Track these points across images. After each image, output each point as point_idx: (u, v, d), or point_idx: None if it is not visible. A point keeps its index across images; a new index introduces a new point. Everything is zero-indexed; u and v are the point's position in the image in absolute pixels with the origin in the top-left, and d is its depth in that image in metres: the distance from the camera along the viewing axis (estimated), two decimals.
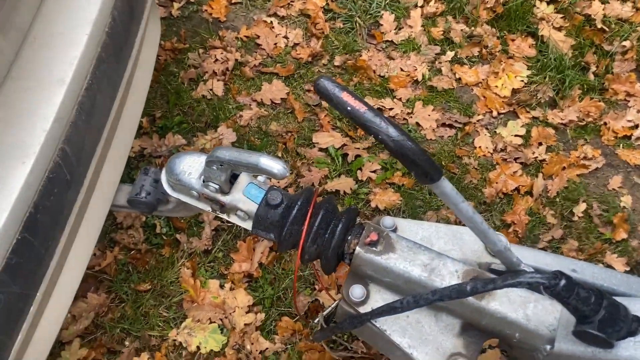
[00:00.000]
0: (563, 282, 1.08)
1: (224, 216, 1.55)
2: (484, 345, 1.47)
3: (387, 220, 1.56)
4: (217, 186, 1.45)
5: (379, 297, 1.45)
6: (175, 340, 2.20)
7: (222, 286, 2.31)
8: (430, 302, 1.25)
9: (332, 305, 1.73)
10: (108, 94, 1.57)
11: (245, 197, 1.48)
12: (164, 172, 1.54)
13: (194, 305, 2.27)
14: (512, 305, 1.32)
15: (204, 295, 2.28)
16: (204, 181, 1.47)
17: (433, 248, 1.46)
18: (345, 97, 1.16)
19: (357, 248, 1.41)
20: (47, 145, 1.29)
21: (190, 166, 1.50)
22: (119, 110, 1.71)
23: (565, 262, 1.54)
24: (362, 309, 1.42)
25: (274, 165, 1.29)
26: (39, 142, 1.27)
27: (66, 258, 1.50)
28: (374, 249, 1.41)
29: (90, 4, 1.45)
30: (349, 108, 1.15)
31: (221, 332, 2.22)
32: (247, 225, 1.52)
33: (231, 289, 2.30)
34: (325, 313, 1.75)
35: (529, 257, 1.50)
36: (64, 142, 1.34)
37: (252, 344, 2.19)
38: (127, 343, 2.20)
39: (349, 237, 1.45)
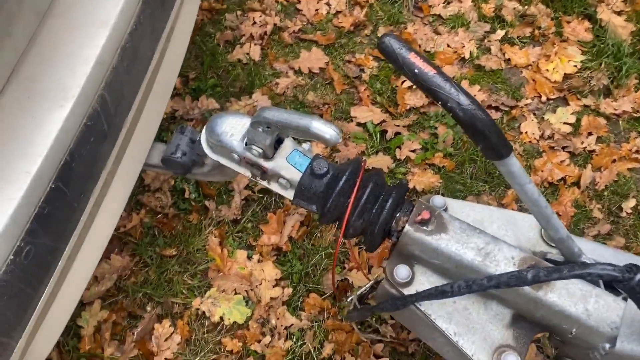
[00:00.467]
0: (639, 276, 0.98)
1: (264, 183, 1.46)
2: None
3: (438, 200, 1.47)
4: (260, 150, 1.35)
5: (425, 280, 1.37)
6: (198, 309, 2.12)
7: (249, 257, 2.22)
8: (485, 288, 1.17)
9: (367, 285, 1.65)
10: (150, 42, 1.47)
11: (288, 164, 1.39)
12: (203, 131, 1.44)
13: (220, 275, 2.19)
14: (572, 298, 1.23)
15: (231, 265, 2.19)
16: (246, 144, 1.37)
17: (486, 232, 1.36)
18: (413, 58, 1.06)
19: (407, 226, 1.31)
20: (86, 90, 1.19)
21: (233, 127, 1.40)
22: (159, 61, 1.60)
23: (624, 257, 1.46)
24: (407, 291, 1.34)
25: (327, 130, 1.19)
26: (78, 85, 1.18)
27: (96, 214, 1.41)
28: (425, 228, 1.32)
29: None
30: (416, 70, 1.05)
31: (246, 305, 2.14)
32: (289, 194, 1.43)
33: (259, 260, 2.21)
34: (359, 292, 1.67)
35: (587, 249, 1.40)
36: (104, 88, 1.25)
37: (278, 319, 2.10)
38: (148, 308, 2.13)
39: (398, 214, 1.35)
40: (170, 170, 1.71)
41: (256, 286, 2.16)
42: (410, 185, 2.41)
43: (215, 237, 2.24)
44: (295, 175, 1.39)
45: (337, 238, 2.15)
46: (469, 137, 1.08)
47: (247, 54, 2.70)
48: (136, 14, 1.32)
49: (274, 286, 2.16)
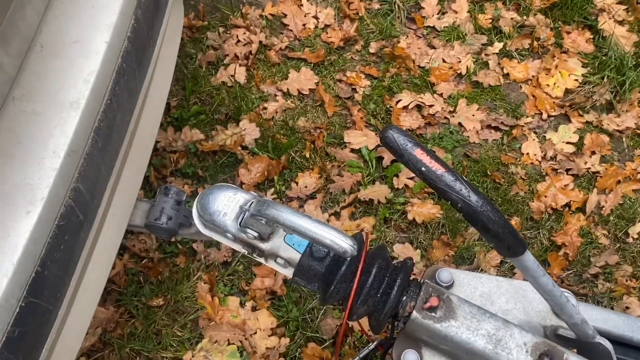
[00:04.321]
0: None
1: (262, 260, 1.33)
2: None
3: (444, 274, 1.39)
4: (256, 233, 1.22)
5: None
6: None
7: (242, 304, 2.09)
8: None
9: (369, 348, 1.57)
10: (127, 109, 1.30)
11: (286, 244, 1.27)
12: (195, 208, 1.30)
13: (211, 324, 2.06)
14: None
15: (223, 314, 2.06)
16: (241, 225, 1.23)
17: (494, 306, 1.34)
18: (420, 155, 1.00)
19: (414, 312, 1.23)
20: (57, 188, 1.04)
21: (226, 205, 1.26)
22: (137, 121, 1.44)
23: (637, 324, 1.40)
24: None
25: (342, 244, 1.09)
26: (47, 184, 1.02)
27: (73, 304, 1.27)
28: (433, 314, 1.23)
29: (109, 4, 1.17)
30: (423, 169, 0.97)
31: (240, 356, 2.02)
32: (288, 272, 1.32)
33: (253, 308, 2.08)
34: (359, 357, 1.60)
35: (599, 318, 1.39)
36: (77, 179, 1.09)
37: None
38: None
39: (404, 298, 1.26)
40: (155, 234, 1.57)
41: (250, 335, 2.04)
42: (410, 217, 2.28)
43: (204, 283, 2.10)
44: (294, 255, 1.27)
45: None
46: (481, 235, 1.01)
47: (232, 75, 2.53)
48: (109, 88, 1.15)
49: (269, 335, 2.04)
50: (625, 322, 1.38)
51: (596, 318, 1.35)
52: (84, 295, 1.40)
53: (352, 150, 2.43)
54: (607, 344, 1.23)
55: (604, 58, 2.68)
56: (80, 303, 1.37)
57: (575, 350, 1.30)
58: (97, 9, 1.18)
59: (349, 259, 1.23)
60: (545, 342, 1.21)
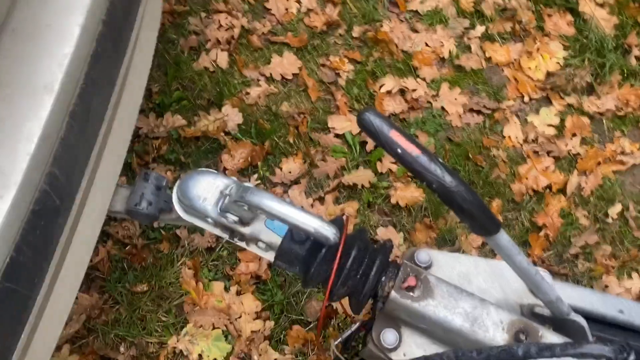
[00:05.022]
0: (632, 357, 0.95)
1: (242, 244, 1.35)
2: None
3: (423, 255, 1.42)
4: (236, 218, 1.23)
5: (412, 342, 1.32)
6: (175, 347, 2.00)
7: (227, 289, 2.10)
8: None
9: (353, 328, 1.58)
10: (104, 94, 1.29)
11: (267, 228, 1.28)
12: (175, 192, 1.30)
13: (196, 309, 2.06)
14: None
15: (207, 299, 2.07)
16: (221, 210, 1.24)
17: (472, 285, 1.37)
18: (395, 136, 1.01)
19: (393, 292, 1.26)
20: (31, 173, 1.03)
21: (206, 190, 1.27)
22: (115, 106, 1.43)
23: (612, 302, 1.48)
24: (394, 355, 1.30)
25: (325, 232, 1.14)
26: (21, 169, 1.01)
27: (52, 290, 1.27)
28: (411, 294, 1.27)
29: None
30: (399, 150, 0.98)
31: (226, 339, 2.03)
32: (269, 256, 1.34)
33: (237, 292, 2.09)
34: (344, 336, 1.61)
35: (574, 296, 1.42)
36: (53, 164, 1.08)
37: (260, 355, 2.00)
38: (122, 349, 2.00)
39: (383, 279, 1.28)
40: (136, 220, 1.57)
41: (235, 319, 2.05)
42: (393, 201, 2.30)
43: (189, 268, 2.10)
44: (275, 239, 1.29)
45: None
46: (456, 215, 1.03)
47: (214, 61, 2.51)
48: (85, 72, 1.14)
49: (254, 319, 2.06)
50: (600, 299, 1.40)
51: (572, 296, 1.37)
52: (65, 281, 1.40)
53: (336, 135, 2.43)
54: (582, 321, 1.26)
55: (584, 41, 2.70)
56: (61, 289, 1.36)
57: (552, 327, 1.32)
58: None
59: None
60: (521, 319, 1.24)
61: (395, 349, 1.29)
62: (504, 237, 1.08)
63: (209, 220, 1.28)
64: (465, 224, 1.05)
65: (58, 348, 1.96)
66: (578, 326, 1.26)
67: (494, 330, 1.22)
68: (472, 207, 1.00)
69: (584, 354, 0.94)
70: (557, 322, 1.28)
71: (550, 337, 1.20)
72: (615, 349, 0.94)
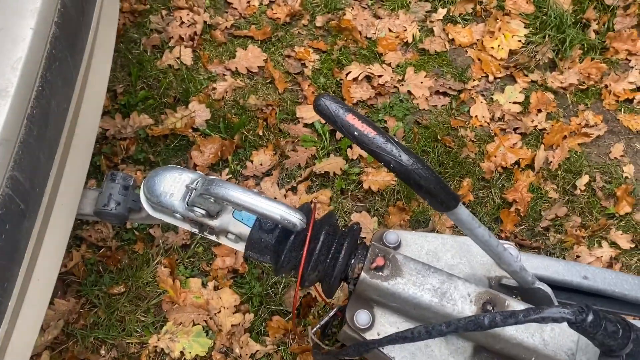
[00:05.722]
0: (590, 317, 0.99)
1: (213, 237, 1.35)
2: None
3: (391, 235, 1.44)
4: (203, 211, 1.23)
5: (385, 321, 1.35)
6: (156, 346, 2.00)
7: (204, 285, 2.10)
8: (445, 334, 1.18)
9: (330, 314, 1.60)
10: (63, 96, 1.28)
11: (235, 220, 1.29)
12: (142, 190, 1.30)
13: (175, 307, 2.07)
14: (529, 330, 1.25)
15: (185, 296, 2.07)
16: (188, 204, 1.24)
17: (440, 262, 1.41)
18: (352, 119, 1.03)
19: (362, 273, 1.29)
20: None
21: (172, 186, 1.27)
22: (77, 107, 1.42)
23: (576, 269, 1.51)
24: (369, 335, 1.32)
25: (292, 219, 1.15)
26: None
27: (25, 295, 1.26)
28: (380, 273, 1.29)
29: None
30: (355, 133, 1.01)
31: (206, 335, 2.04)
32: (240, 247, 1.34)
33: (215, 287, 2.09)
34: (322, 322, 1.63)
35: (540, 266, 1.45)
36: (13, 168, 1.08)
37: (242, 347, 2.01)
38: (102, 352, 2.00)
39: (352, 261, 1.31)
40: (105, 221, 1.56)
41: (215, 314, 2.06)
42: (365, 186, 2.32)
43: (165, 267, 2.10)
44: (244, 230, 1.30)
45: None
46: (416, 193, 1.05)
47: (178, 58, 2.50)
48: (40, 75, 1.14)
49: (234, 313, 2.06)
50: (564, 267, 1.44)
51: (537, 266, 1.40)
52: (37, 286, 1.39)
53: (305, 125, 2.44)
54: (547, 289, 1.29)
55: (544, 17, 2.74)
56: (33, 294, 1.36)
57: (520, 297, 1.36)
58: None
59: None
60: (488, 291, 1.27)
61: (369, 328, 1.31)
62: (463, 211, 1.10)
63: (177, 215, 1.28)
64: (425, 200, 1.07)
65: (37, 355, 1.95)
66: (544, 294, 1.29)
67: (462, 303, 1.26)
68: (430, 183, 1.02)
69: (545, 318, 0.98)
70: (524, 292, 1.32)
71: (517, 306, 1.23)
72: (574, 310, 0.98)
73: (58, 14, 1.22)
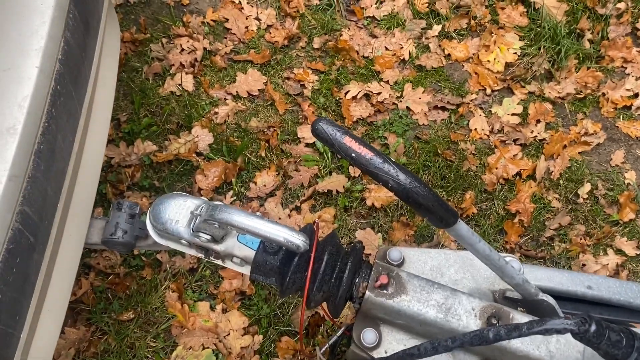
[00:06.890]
0: (593, 327, 1.00)
1: (219, 262, 1.37)
2: None
3: (394, 253, 1.46)
4: (209, 236, 1.26)
5: (392, 339, 1.36)
6: None
7: (212, 308, 2.12)
8: (451, 349, 1.18)
9: (337, 334, 1.62)
10: (69, 129, 1.32)
11: (240, 243, 1.31)
12: (148, 218, 1.33)
13: (184, 331, 2.08)
14: (534, 342, 1.25)
15: (194, 320, 2.09)
16: (193, 230, 1.27)
17: (444, 277, 1.42)
18: (349, 142, 1.05)
19: (367, 292, 1.30)
20: (2, 213, 1.05)
21: (177, 213, 1.30)
22: (82, 139, 1.46)
23: (580, 279, 1.52)
24: (376, 354, 1.33)
25: (295, 241, 1.17)
26: None
27: (36, 326, 1.28)
28: (385, 292, 1.31)
29: (37, 29, 1.18)
30: (353, 155, 1.02)
31: (216, 358, 2.05)
32: (245, 270, 1.37)
33: (224, 310, 2.11)
34: (329, 344, 1.64)
35: (543, 277, 1.46)
36: (23, 203, 1.10)
37: None
38: None
39: (357, 280, 1.32)
40: (113, 249, 1.59)
41: (224, 337, 2.07)
42: (369, 203, 2.34)
43: (173, 291, 2.12)
44: (249, 253, 1.32)
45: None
46: (415, 211, 1.07)
47: (180, 84, 2.54)
48: (46, 111, 1.17)
49: (243, 335, 2.07)
50: (568, 278, 1.45)
51: (541, 277, 1.41)
52: (48, 316, 1.42)
53: (307, 145, 2.47)
54: (551, 300, 1.30)
55: (538, 29, 2.77)
56: (45, 324, 1.38)
57: (525, 310, 1.37)
58: (25, 35, 1.20)
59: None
60: (492, 305, 1.28)
61: (376, 347, 1.31)
62: (463, 227, 1.12)
63: (183, 241, 1.31)
64: (424, 218, 1.09)
65: None
66: (548, 305, 1.30)
67: (467, 318, 1.27)
68: (428, 201, 1.04)
69: (548, 330, 0.99)
70: (529, 304, 1.33)
71: (521, 318, 1.24)
72: (577, 321, 0.99)
73: (62, 51, 1.25)
